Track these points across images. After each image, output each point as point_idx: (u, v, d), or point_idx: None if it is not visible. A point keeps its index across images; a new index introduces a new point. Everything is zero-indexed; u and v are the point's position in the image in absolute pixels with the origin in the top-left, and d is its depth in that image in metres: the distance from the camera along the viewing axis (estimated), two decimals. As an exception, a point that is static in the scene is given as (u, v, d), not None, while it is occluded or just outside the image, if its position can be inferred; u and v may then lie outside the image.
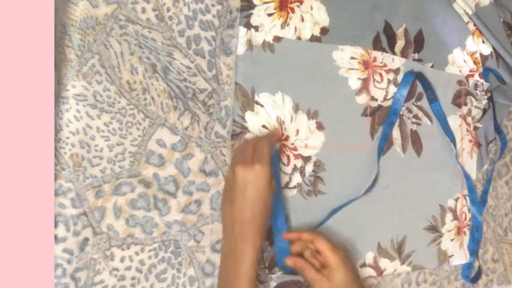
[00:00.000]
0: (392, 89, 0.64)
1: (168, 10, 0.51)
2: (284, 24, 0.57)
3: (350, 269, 0.51)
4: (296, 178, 0.57)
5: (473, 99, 0.72)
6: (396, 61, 0.65)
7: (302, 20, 0.58)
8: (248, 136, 0.54)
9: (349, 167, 0.60)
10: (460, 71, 0.71)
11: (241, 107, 0.55)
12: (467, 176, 0.69)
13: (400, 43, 0.66)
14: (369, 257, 0.61)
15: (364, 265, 0.61)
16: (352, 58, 0.61)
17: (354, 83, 0.61)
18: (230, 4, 0.54)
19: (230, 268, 0.48)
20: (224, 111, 0.54)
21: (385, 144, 0.62)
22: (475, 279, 0.70)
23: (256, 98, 0.55)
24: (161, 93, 0.51)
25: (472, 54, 0.71)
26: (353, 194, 0.60)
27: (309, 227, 0.57)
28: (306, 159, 0.58)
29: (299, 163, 0.57)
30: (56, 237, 0.45)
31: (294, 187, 0.57)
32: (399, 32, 0.66)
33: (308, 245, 0.52)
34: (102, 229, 0.47)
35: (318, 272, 0.51)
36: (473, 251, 0.70)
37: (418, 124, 0.66)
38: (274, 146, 0.53)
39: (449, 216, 0.69)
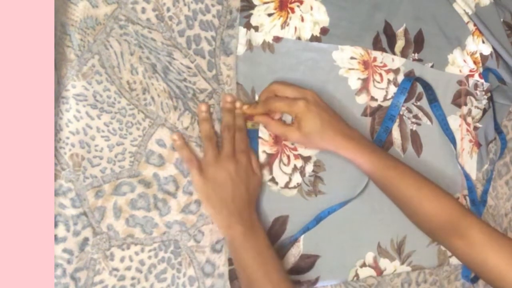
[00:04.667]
0: (392, 89, 0.64)
1: (168, 10, 0.51)
2: (284, 24, 0.57)
3: (319, 114, 0.51)
4: (296, 178, 0.57)
5: (473, 99, 0.72)
6: (396, 61, 0.65)
7: (302, 20, 0.58)
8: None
9: (349, 167, 0.60)
10: (460, 71, 0.71)
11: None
12: (467, 176, 0.69)
13: (400, 43, 0.66)
14: (369, 257, 0.61)
15: (364, 265, 0.61)
16: (352, 58, 0.61)
17: (354, 83, 0.61)
18: (230, 4, 0.54)
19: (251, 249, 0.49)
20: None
21: None
22: (475, 279, 0.70)
23: (257, 98, 0.55)
24: (161, 93, 0.51)
25: (472, 54, 0.71)
26: (353, 194, 0.60)
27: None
28: (306, 159, 0.58)
29: (299, 163, 0.57)
30: (56, 237, 0.45)
31: (294, 187, 0.57)
32: (399, 32, 0.66)
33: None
34: (102, 229, 0.47)
35: (285, 124, 0.52)
36: (473, 251, 0.70)
37: (418, 124, 0.66)
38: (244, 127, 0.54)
39: (449, 216, 0.69)
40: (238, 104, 0.53)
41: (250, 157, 0.52)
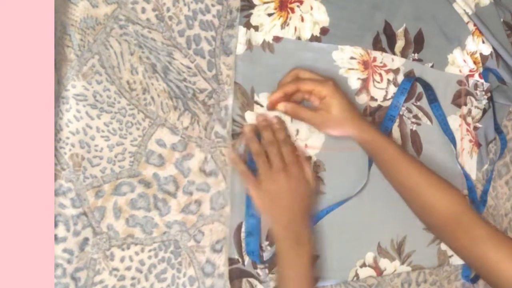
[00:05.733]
0: (392, 89, 0.64)
1: (168, 10, 0.51)
2: (284, 24, 0.57)
3: (344, 97, 0.53)
4: (296, 178, 0.57)
5: (473, 99, 0.72)
6: (396, 61, 0.65)
7: (302, 20, 0.58)
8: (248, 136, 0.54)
9: (349, 167, 0.60)
10: (460, 71, 0.71)
11: (241, 107, 0.54)
12: (467, 176, 0.69)
13: (400, 43, 0.66)
14: (369, 257, 0.61)
15: (364, 265, 0.61)
16: (352, 58, 0.61)
17: (354, 83, 0.61)
18: (230, 4, 0.54)
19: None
20: (224, 111, 0.54)
21: None
22: (475, 279, 0.70)
23: (256, 98, 0.55)
24: (161, 93, 0.51)
25: (472, 54, 0.71)
26: (353, 194, 0.60)
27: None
28: (306, 159, 0.58)
29: (299, 163, 0.57)
30: (56, 237, 0.45)
31: (294, 187, 0.57)
32: (399, 32, 0.66)
33: (298, 96, 0.54)
34: (102, 229, 0.47)
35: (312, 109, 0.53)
36: (473, 251, 0.69)
37: (418, 124, 0.66)
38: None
39: (449, 216, 0.68)
40: (274, 120, 0.54)
41: (301, 168, 0.52)
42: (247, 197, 0.53)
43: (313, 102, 0.53)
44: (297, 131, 0.57)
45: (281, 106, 0.53)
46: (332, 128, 0.53)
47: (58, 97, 0.46)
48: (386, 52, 0.64)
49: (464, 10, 0.70)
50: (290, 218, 0.50)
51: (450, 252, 0.68)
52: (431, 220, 0.53)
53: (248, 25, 0.55)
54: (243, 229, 0.53)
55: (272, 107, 0.54)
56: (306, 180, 0.52)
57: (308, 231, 0.51)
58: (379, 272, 0.62)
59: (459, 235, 0.50)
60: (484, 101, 0.73)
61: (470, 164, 0.71)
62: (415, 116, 0.66)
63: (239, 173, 0.52)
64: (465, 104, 0.71)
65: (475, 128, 0.72)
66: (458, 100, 0.70)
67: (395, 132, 0.64)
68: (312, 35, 0.59)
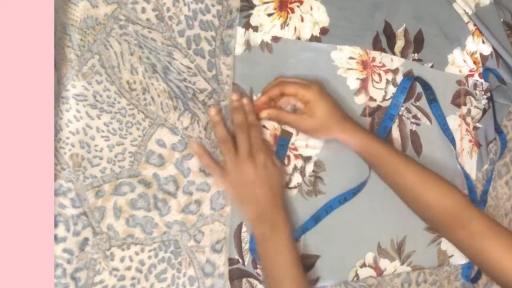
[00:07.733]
0: (391, 89, 0.64)
1: (168, 10, 0.51)
2: (284, 24, 0.57)
3: (329, 100, 0.52)
4: (296, 178, 0.57)
5: (472, 99, 0.72)
6: (395, 61, 0.65)
7: (302, 20, 0.58)
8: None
9: (349, 168, 0.60)
10: (460, 71, 0.71)
11: (241, 107, 0.54)
12: (467, 176, 0.69)
13: (400, 43, 0.66)
14: (369, 257, 0.61)
15: (364, 265, 0.61)
16: (351, 58, 0.61)
17: (353, 83, 0.61)
18: (230, 4, 0.54)
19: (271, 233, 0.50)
20: (224, 111, 0.54)
21: None
22: (475, 279, 0.70)
23: (255, 98, 0.55)
24: (161, 93, 0.51)
25: (472, 54, 0.71)
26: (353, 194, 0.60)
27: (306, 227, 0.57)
28: (307, 159, 0.58)
29: (299, 163, 0.57)
30: (56, 237, 0.45)
31: (294, 187, 0.57)
32: (399, 32, 0.66)
33: (286, 100, 0.53)
34: (102, 229, 0.47)
35: (296, 113, 0.52)
36: (473, 251, 0.69)
37: (418, 124, 0.66)
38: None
39: (449, 216, 0.68)
40: (245, 100, 0.52)
41: (267, 151, 0.52)
42: None
43: (300, 107, 0.53)
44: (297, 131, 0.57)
45: (264, 113, 0.52)
46: (316, 132, 0.53)
47: (58, 97, 0.46)
48: (386, 52, 0.64)
49: (464, 10, 0.70)
50: (262, 206, 0.50)
51: (450, 252, 0.68)
52: (430, 218, 0.54)
53: (247, 26, 0.55)
54: (243, 229, 0.53)
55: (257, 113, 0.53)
56: (273, 162, 0.52)
57: (282, 215, 0.51)
58: (379, 272, 0.62)
59: (457, 231, 0.50)
60: (484, 101, 0.73)
61: (470, 164, 0.71)
62: (415, 116, 0.66)
63: (204, 166, 0.51)
64: (465, 104, 0.71)
65: (475, 128, 0.72)
66: (458, 100, 0.70)
67: (395, 132, 0.64)
68: (312, 35, 0.59)
